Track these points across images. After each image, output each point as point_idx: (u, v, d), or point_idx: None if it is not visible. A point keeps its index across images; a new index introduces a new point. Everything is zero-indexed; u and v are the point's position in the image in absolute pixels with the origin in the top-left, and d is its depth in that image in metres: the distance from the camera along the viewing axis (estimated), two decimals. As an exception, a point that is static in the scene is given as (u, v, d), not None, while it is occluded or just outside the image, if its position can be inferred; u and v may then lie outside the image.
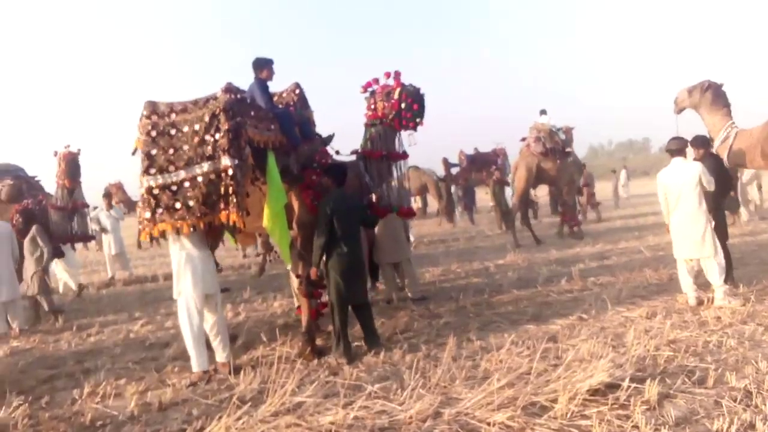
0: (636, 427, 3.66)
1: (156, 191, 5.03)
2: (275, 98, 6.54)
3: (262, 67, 5.97)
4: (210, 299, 5.45)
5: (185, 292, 5.28)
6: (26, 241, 8.19)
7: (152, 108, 5.27)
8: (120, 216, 12.67)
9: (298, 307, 6.30)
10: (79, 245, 12.20)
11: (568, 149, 13.31)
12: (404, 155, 6.60)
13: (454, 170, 24.34)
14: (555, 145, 12.93)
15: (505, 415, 3.84)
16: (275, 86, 6.54)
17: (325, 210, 5.62)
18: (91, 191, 9.56)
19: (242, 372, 5.21)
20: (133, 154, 5.25)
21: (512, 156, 24.57)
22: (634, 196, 27.17)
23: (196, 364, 5.30)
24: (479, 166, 23.97)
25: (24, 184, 9.07)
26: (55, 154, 8.87)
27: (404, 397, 4.28)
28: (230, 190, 4.90)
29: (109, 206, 12.41)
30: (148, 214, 5.04)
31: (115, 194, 17.06)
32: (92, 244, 18.08)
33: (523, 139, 13.24)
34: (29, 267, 8.23)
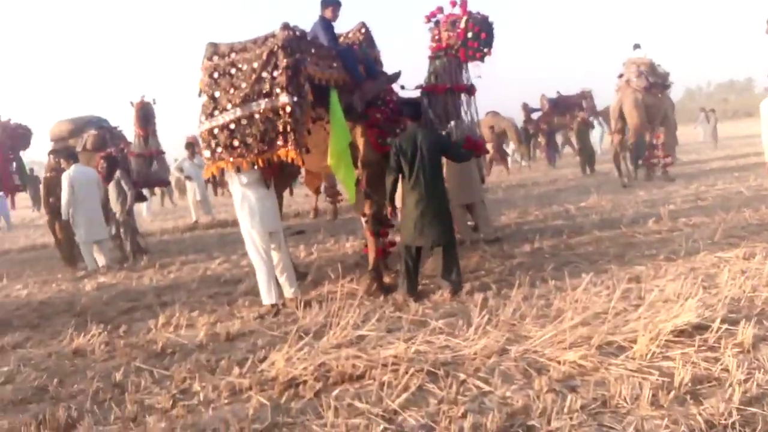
0: (726, 370, 3.30)
1: (216, 131, 5.04)
2: (341, 39, 6.33)
3: (328, 5, 5.80)
4: (273, 237, 5.48)
5: (246, 229, 5.36)
6: (111, 186, 8.57)
7: (214, 49, 5.25)
8: (202, 164, 13.05)
9: (366, 246, 6.20)
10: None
11: (669, 83, 12.30)
12: (471, 88, 6.23)
13: (535, 115, 23.38)
14: (658, 79, 11.94)
15: (578, 354, 3.59)
16: (342, 27, 6.35)
17: (393, 147, 5.39)
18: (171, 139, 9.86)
19: (308, 307, 5.21)
20: (199, 95, 5.26)
21: (598, 98, 23.26)
22: (735, 138, 25.07)
23: (266, 297, 5.37)
24: (563, 110, 22.86)
25: (107, 134, 9.44)
26: (132, 104, 9.18)
27: (470, 333, 4.10)
28: (288, 127, 4.81)
29: (192, 155, 12.79)
30: (208, 153, 5.12)
31: (197, 144, 17.64)
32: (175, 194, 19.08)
33: (621, 76, 12.20)
34: (115, 209, 8.62)
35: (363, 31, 6.46)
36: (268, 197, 5.45)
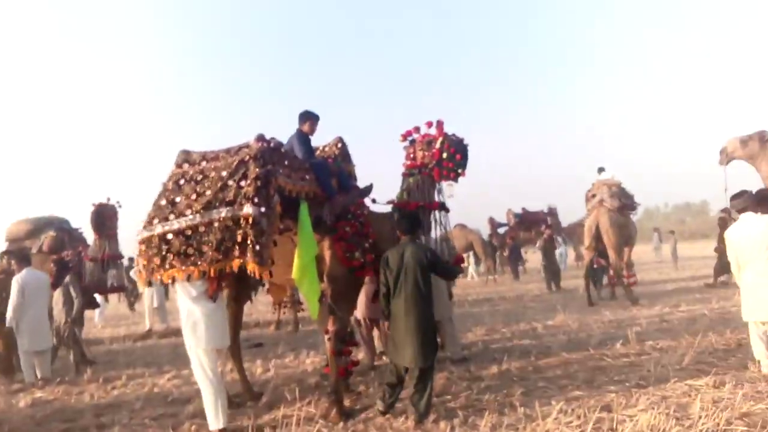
0: None
1: (169, 236, 4.78)
2: (317, 152, 6.43)
3: (306, 119, 5.94)
4: (221, 355, 5.12)
5: (191, 346, 4.99)
6: (57, 292, 8.17)
7: (185, 157, 5.23)
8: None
9: (326, 365, 5.89)
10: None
11: (636, 204, 12.74)
12: (443, 206, 6.29)
13: (502, 230, 23.91)
14: (627, 200, 12.36)
15: (551, 498, 3.30)
16: (319, 140, 6.46)
17: (382, 260, 5.18)
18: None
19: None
20: (158, 198, 5.11)
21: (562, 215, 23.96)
22: (694, 258, 25.84)
23: (213, 422, 4.93)
24: (528, 225, 23.47)
25: (66, 236, 9.18)
26: (92, 205, 9.00)
27: (435, 470, 3.78)
28: (249, 238, 4.60)
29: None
30: (157, 260, 4.77)
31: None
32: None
33: (593, 196, 12.58)
34: (59, 317, 8.16)
35: (339, 145, 6.58)
36: (217, 311, 5.08)
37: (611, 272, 13.09)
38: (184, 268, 4.69)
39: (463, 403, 5.40)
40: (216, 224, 4.68)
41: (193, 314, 4.99)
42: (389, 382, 5.11)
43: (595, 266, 13.48)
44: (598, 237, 12.39)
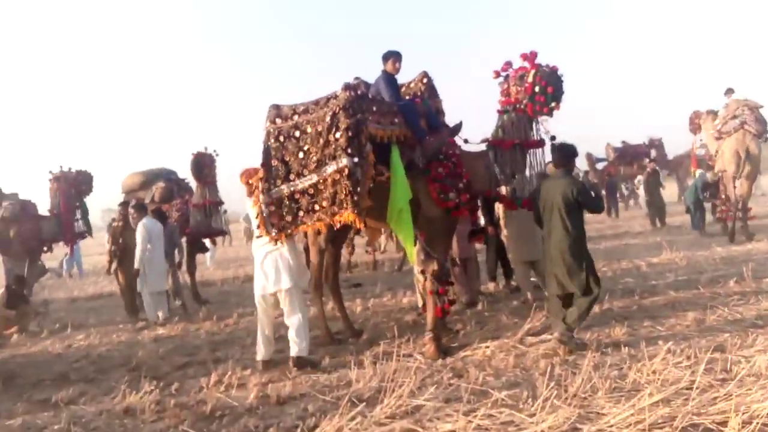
0: None
1: (297, 195, 5.17)
2: (403, 89, 6.31)
3: (388, 58, 5.84)
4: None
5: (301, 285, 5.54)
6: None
7: (276, 112, 5.33)
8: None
9: (423, 305, 5.97)
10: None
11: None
12: (540, 143, 6.01)
13: (600, 165, 22.76)
14: (763, 127, 11.06)
15: (660, 438, 3.20)
16: (404, 77, 6.34)
17: (534, 193, 5.47)
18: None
19: (362, 368, 4.99)
20: (266, 158, 5.30)
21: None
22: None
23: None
24: (629, 160, 22.20)
25: (175, 186, 9.73)
26: (192, 155, 9.44)
27: (536, 407, 3.75)
28: (346, 189, 4.85)
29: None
30: (289, 218, 5.21)
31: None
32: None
33: (734, 117, 11.36)
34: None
35: (425, 81, 6.42)
36: (291, 254, 5.49)
37: (725, 205, 12.05)
38: (311, 222, 5.13)
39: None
40: (329, 180, 4.95)
41: (279, 261, 5.48)
42: (557, 314, 5.29)
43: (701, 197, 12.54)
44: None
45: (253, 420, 4.12)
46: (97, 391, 5.19)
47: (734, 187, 11.18)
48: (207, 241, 11.60)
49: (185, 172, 10.22)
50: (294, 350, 5.38)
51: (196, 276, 10.15)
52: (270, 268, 5.47)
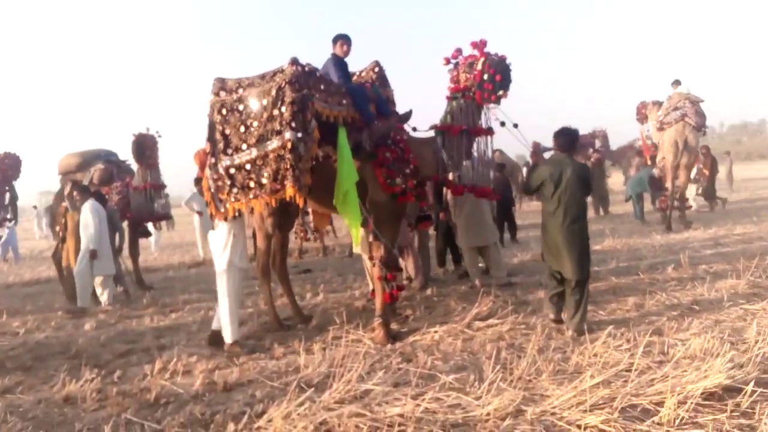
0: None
1: (232, 170, 5.03)
2: (354, 77, 6.26)
3: (336, 41, 5.79)
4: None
5: (234, 264, 5.41)
6: None
7: (221, 84, 5.19)
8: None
9: (372, 291, 5.97)
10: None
11: (705, 126, 11.81)
12: (488, 131, 6.08)
13: (547, 154, 23.18)
14: (702, 120, 11.45)
15: (600, 418, 3.32)
16: (356, 66, 6.29)
17: (538, 171, 5.42)
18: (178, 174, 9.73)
19: (311, 354, 4.97)
20: (209, 140, 5.18)
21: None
22: (750, 180, 24.77)
23: (228, 336, 5.38)
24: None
25: (114, 168, 9.34)
26: (132, 135, 9.13)
27: (482, 390, 3.83)
28: (288, 163, 4.75)
29: (201, 191, 12.70)
30: (224, 193, 5.10)
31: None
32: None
33: (675, 109, 11.57)
34: None
35: (377, 69, 6.39)
36: (230, 234, 5.43)
37: (665, 195, 12.56)
38: (247, 200, 4.99)
39: (510, 327, 5.42)
40: (271, 155, 4.82)
41: (239, 235, 5.47)
42: (553, 290, 5.41)
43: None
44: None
45: (199, 407, 4.03)
46: (35, 379, 4.97)
47: (673, 176, 11.64)
48: (150, 226, 11.27)
49: (126, 154, 9.88)
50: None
51: (139, 261, 9.85)
52: (213, 246, 5.51)
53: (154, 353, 5.42)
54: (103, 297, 8.06)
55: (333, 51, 5.78)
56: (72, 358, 5.56)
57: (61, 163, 9.59)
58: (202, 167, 5.49)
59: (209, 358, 5.17)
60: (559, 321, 5.42)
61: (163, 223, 13.23)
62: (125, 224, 9.34)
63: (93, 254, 7.80)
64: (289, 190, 4.74)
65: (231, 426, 3.62)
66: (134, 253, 9.55)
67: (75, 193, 8.22)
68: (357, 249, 6.34)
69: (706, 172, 15.08)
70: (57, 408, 4.27)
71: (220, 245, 5.43)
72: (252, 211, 5.83)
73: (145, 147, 9.16)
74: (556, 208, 5.22)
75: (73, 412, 4.18)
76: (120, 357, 5.50)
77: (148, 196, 9.16)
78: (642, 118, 13.67)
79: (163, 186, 9.41)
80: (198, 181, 12.72)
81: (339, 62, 5.76)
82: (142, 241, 10.29)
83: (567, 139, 5.43)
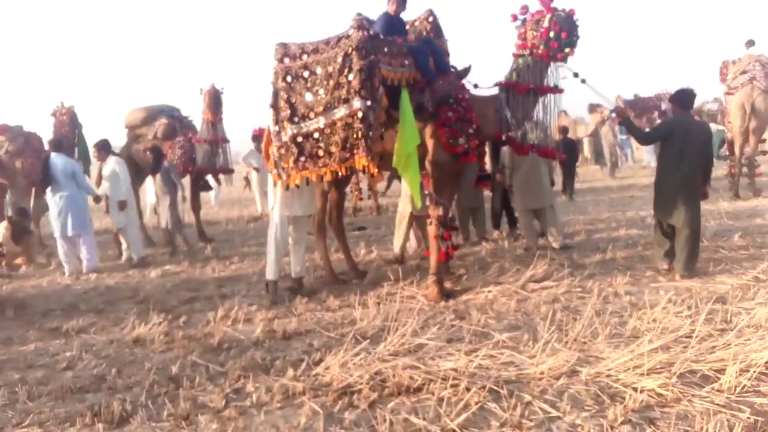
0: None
1: (300, 139, 5.10)
2: (407, 26, 6.14)
3: None
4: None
5: (278, 212, 5.78)
6: (158, 177, 8.64)
7: (284, 50, 5.22)
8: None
9: (426, 249, 6.01)
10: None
11: None
12: (556, 90, 5.89)
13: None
14: None
15: (657, 382, 3.28)
16: (408, 15, 6.16)
17: (665, 125, 6.10)
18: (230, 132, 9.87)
19: (366, 308, 5.08)
20: (274, 98, 5.24)
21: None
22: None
23: (269, 274, 5.79)
24: (639, 113, 21.83)
25: (177, 123, 9.61)
26: (201, 91, 9.29)
27: (536, 349, 3.84)
28: (359, 133, 4.78)
29: (259, 147, 12.90)
30: (291, 162, 5.16)
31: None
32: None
33: (743, 73, 10.97)
34: (163, 201, 8.64)
35: (430, 19, 6.23)
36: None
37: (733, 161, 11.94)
38: (316, 168, 5.08)
39: (565, 290, 5.37)
40: (338, 124, 4.86)
41: (271, 185, 5.75)
42: (658, 240, 5.89)
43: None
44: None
45: (260, 353, 4.22)
46: (106, 321, 5.30)
47: (741, 142, 11.05)
48: (211, 180, 11.59)
49: (187, 110, 10.12)
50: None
51: (201, 215, 10.19)
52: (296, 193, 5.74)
53: (217, 301, 5.66)
54: (132, 250, 8.07)
55: (387, 9, 5.69)
56: (140, 302, 5.89)
57: (127, 118, 9.94)
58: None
59: (268, 308, 5.37)
60: (670, 270, 5.74)
61: (222, 179, 13.56)
62: (187, 179, 9.65)
63: (122, 205, 7.90)
64: (363, 160, 4.79)
65: (290, 371, 3.76)
66: (196, 206, 9.89)
67: (95, 149, 8.41)
68: (417, 207, 6.34)
69: None
70: (127, 348, 4.56)
71: (272, 192, 5.82)
72: None
73: (220, 101, 9.35)
74: (678, 164, 5.55)
75: (142, 352, 4.45)
76: (185, 303, 5.78)
77: (212, 149, 9.37)
78: (724, 79, 12.93)
79: (226, 140, 9.61)
80: (255, 138, 12.95)
81: (390, 21, 5.65)
82: (202, 196, 10.63)
83: (687, 98, 5.83)
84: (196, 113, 9.76)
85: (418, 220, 7.11)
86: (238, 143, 12.50)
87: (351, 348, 3.93)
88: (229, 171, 10.29)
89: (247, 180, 13.67)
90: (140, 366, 4.13)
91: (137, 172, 9.40)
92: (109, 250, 9.14)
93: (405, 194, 7.08)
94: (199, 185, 9.99)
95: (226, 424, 3.20)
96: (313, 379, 3.66)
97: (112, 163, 8.05)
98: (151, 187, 10.16)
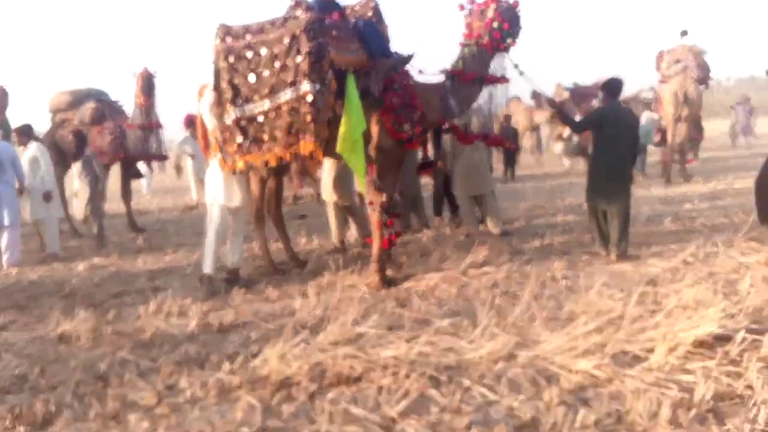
0: (750, 387, 3.07)
1: (243, 122, 4.91)
2: (348, 11, 6.02)
3: None
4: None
5: (218, 202, 5.51)
6: (79, 164, 7.99)
7: (226, 30, 4.99)
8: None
9: (369, 236, 5.95)
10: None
11: (710, 79, 11.59)
12: (502, 79, 5.93)
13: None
14: (705, 73, 11.27)
15: (591, 363, 3.35)
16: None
17: (595, 114, 6.26)
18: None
19: (306, 297, 4.99)
20: (215, 88, 5.02)
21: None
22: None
23: (206, 267, 5.54)
24: (578, 101, 22.40)
25: (106, 107, 9.15)
26: (134, 74, 8.86)
27: (475, 335, 3.87)
28: (308, 117, 4.65)
29: (195, 134, 12.47)
30: (235, 146, 4.97)
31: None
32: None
33: (677, 62, 11.37)
34: (82, 190, 8.05)
35: (372, 4, 6.15)
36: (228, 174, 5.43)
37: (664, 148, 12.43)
38: (260, 154, 4.89)
39: (504, 275, 5.43)
40: (284, 108, 4.72)
41: (211, 174, 5.49)
42: (596, 225, 6.06)
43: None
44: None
45: (194, 347, 4.06)
46: (29, 318, 5.00)
47: (674, 130, 11.50)
48: (144, 168, 11.13)
49: (117, 94, 9.65)
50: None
51: (132, 204, 9.75)
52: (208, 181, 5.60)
53: (149, 295, 5.42)
54: (48, 243, 7.66)
55: None
56: (66, 297, 5.59)
57: (53, 101, 9.41)
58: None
59: (204, 300, 5.18)
60: (607, 254, 5.94)
61: (156, 166, 13.06)
62: (117, 166, 9.22)
63: (47, 196, 7.49)
64: (309, 145, 4.67)
65: (226, 365, 3.65)
66: (126, 195, 9.47)
67: (16, 134, 7.90)
68: (362, 193, 6.28)
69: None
70: (52, 346, 4.31)
71: (211, 181, 5.52)
72: None
73: (153, 85, 8.92)
74: (610, 150, 5.81)
75: (67, 350, 4.22)
76: (114, 297, 5.52)
77: (144, 135, 8.93)
78: (659, 68, 13.40)
79: (160, 125, 9.19)
80: (190, 124, 12.48)
81: (327, 5, 5.52)
82: (134, 184, 10.18)
83: (615, 87, 6.11)
84: (126, 98, 9.32)
85: (343, 208, 7.06)
86: (172, 129, 12.05)
87: (290, 339, 3.85)
88: (162, 158, 9.85)
89: (178, 167, 13.02)
90: (65, 364, 3.91)
91: (62, 160, 8.87)
92: (30, 243, 8.65)
93: (326, 183, 7.06)
94: (130, 173, 9.56)
95: (158, 421, 3.07)
96: (251, 373, 3.55)
97: (34, 150, 7.58)
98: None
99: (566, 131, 15.21)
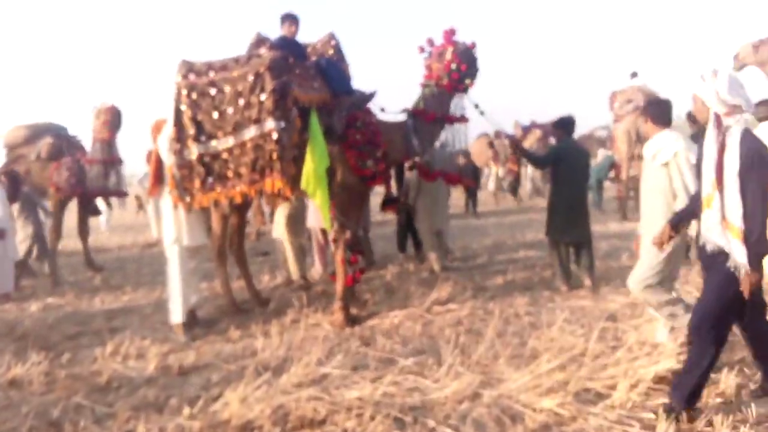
0: (710, 423, 3.12)
1: (207, 159, 4.87)
2: (309, 49, 6.12)
3: (285, 21, 5.62)
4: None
5: (179, 243, 5.29)
6: (17, 204, 7.81)
7: (189, 67, 4.99)
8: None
9: (333, 273, 5.93)
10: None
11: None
12: (462, 119, 6.08)
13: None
14: None
15: (554, 401, 3.37)
16: (308, 37, 6.17)
17: (554, 151, 6.47)
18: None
19: (269, 337, 4.91)
20: (174, 125, 4.99)
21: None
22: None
23: (174, 316, 5.27)
24: (540, 137, 22.92)
25: (64, 142, 8.94)
26: (93, 108, 8.69)
27: (440, 374, 3.87)
28: (274, 155, 4.65)
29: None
30: (198, 183, 4.91)
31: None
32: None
33: (628, 101, 11.76)
34: (21, 230, 7.86)
35: (332, 42, 6.25)
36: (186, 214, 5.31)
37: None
38: (225, 190, 4.85)
39: (469, 312, 5.46)
40: (249, 144, 4.72)
41: (166, 215, 5.33)
42: (560, 260, 6.26)
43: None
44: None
45: (153, 390, 3.94)
46: (-24, 362, 4.76)
47: (628, 167, 11.90)
48: (102, 205, 10.87)
49: (75, 129, 9.45)
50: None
51: (89, 241, 9.48)
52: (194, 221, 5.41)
53: (105, 336, 5.24)
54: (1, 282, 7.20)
55: (281, 32, 5.63)
56: (18, 339, 5.35)
57: (8, 136, 9.14)
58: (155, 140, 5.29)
59: (163, 342, 5.03)
60: (571, 287, 6.13)
61: (115, 203, 12.76)
62: (75, 202, 8.98)
63: (1, 234, 7.13)
64: (277, 182, 4.66)
65: (186, 410, 3.53)
66: (84, 232, 9.20)
67: None
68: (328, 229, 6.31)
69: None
70: (2, 391, 4.11)
71: (169, 221, 5.32)
72: None
73: (120, 118, 8.73)
74: (570, 186, 6.12)
75: (19, 395, 4.03)
76: (69, 339, 5.31)
77: (105, 171, 8.72)
78: (612, 107, 13.91)
79: (119, 161, 9.00)
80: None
81: (288, 45, 5.61)
82: (91, 221, 9.92)
83: (569, 124, 6.42)
84: (82, 132, 9.11)
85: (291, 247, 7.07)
86: (131, 164, 11.87)
87: (252, 381, 3.77)
88: (122, 194, 9.65)
89: (139, 201, 12.63)
90: (16, 411, 3.73)
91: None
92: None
93: (278, 221, 7.13)
94: (88, 209, 9.31)
95: (112, 472, 2.94)
96: (211, 417, 3.45)
97: None
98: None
99: (500, 171, 16.18)
